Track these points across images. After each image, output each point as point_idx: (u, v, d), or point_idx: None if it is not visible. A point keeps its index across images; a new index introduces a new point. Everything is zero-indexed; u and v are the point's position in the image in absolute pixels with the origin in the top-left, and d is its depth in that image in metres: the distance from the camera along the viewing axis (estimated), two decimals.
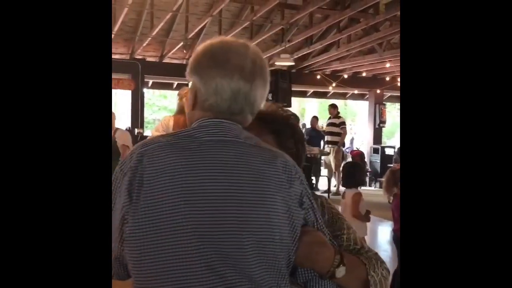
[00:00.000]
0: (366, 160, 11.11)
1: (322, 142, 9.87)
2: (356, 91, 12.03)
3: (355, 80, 11.06)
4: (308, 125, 10.57)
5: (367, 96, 12.25)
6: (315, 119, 10.33)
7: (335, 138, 9.05)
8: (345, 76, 10.66)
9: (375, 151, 11.21)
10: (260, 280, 0.90)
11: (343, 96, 12.81)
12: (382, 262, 1.14)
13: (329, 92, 11.97)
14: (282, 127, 1.21)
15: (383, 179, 4.07)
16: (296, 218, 0.96)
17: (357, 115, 21.97)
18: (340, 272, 1.01)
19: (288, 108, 1.39)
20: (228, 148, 0.96)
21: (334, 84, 10.68)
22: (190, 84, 1.06)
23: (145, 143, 1.00)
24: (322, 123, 11.26)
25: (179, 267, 0.89)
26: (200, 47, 1.05)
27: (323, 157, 9.66)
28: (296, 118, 1.28)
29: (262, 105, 1.07)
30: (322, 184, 9.42)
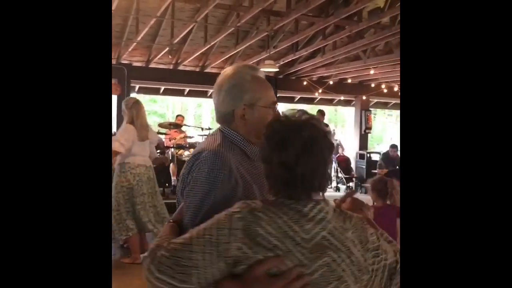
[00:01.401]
0: (352, 165, 11.19)
1: None
2: (342, 97, 12.11)
3: (341, 87, 11.14)
4: None
5: (354, 102, 12.33)
6: None
7: None
8: (331, 82, 10.73)
9: (361, 156, 11.30)
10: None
11: (330, 102, 12.87)
12: None
13: (316, 98, 12.04)
14: (266, 141, 1.11)
15: (368, 185, 4.05)
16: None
17: (346, 121, 22.04)
18: None
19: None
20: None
21: (320, 90, 10.74)
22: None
23: None
24: None
25: None
26: None
27: None
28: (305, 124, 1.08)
29: (228, 108, 1.32)
30: None
